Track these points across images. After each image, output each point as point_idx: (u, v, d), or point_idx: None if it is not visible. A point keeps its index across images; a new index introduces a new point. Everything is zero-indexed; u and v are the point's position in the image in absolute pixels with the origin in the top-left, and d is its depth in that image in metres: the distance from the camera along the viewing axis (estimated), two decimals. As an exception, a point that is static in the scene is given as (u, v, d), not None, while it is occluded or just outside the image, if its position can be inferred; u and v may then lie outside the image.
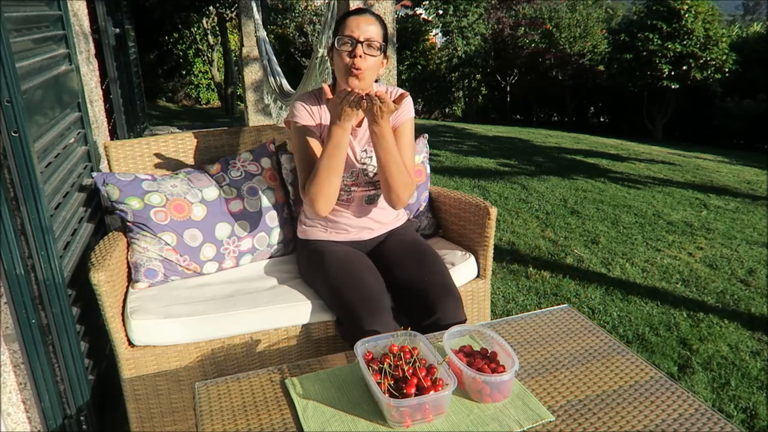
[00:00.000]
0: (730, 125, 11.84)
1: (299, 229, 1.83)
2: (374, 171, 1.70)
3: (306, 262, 1.72)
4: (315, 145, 1.63)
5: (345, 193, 1.69)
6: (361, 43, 1.52)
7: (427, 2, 12.96)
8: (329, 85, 1.59)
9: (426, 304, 1.52)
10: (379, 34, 1.56)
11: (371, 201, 1.74)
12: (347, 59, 1.53)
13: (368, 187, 1.71)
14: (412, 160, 1.68)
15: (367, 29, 1.53)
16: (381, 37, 1.56)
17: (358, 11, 1.58)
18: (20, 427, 1.37)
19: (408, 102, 1.70)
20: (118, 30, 4.82)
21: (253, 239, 1.81)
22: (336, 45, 1.56)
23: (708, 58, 11.60)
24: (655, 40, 11.73)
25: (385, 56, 1.61)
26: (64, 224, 1.53)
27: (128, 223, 1.68)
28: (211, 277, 1.74)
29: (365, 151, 1.69)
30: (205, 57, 12.91)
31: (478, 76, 15.22)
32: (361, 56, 1.52)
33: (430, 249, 1.73)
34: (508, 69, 14.61)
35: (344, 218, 1.73)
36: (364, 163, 1.69)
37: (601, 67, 13.51)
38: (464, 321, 1.53)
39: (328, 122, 1.64)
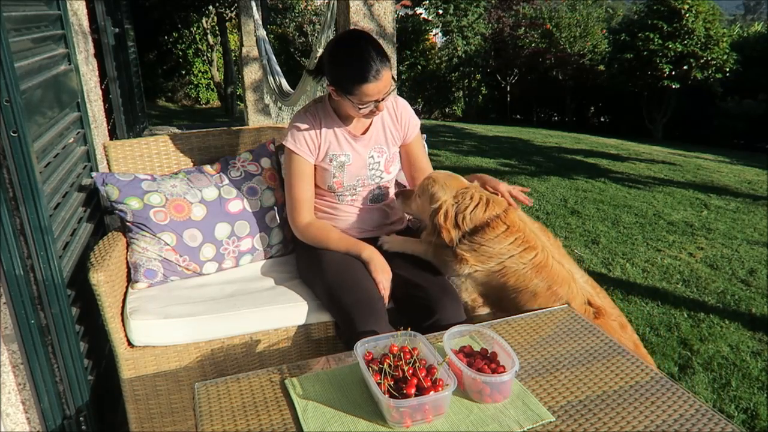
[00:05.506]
0: (730, 125, 11.83)
1: None
2: (381, 176, 1.73)
3: (305, 263, 1.72)
4: (307, 182, 1.67)
5: (350, 193, 1.71)
6: (382, 100, 1.54)
7: (427, 2, 12.95)
8: (324, 96, 1.64)
9: (426, 305, 1.52)
10: (389, 77, 1.53)
11: (376, 200, 1.77)
12: (367, 111, 1.56)
13: (374, 187, 1.75)
14: (428, 163, 1.85)
15: (384, 86, 1.52)
16: (391, 78, 1.54)
17: (372, 74, 1.48)
18: (19, 427, 1.37)
19: (412, 115, 1.78)
20: (117, 29, 4.81)
21: (253, 239, 1.80)
22: (357, 106, 1.54)
23: (708, 58, 11.58)
24: (656, 39, 11.71)
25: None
26: (63, 224, 1.53)
27: (128, 223, 1.67)
28: (210, 278, 1.74)
29: (372, 157, 1.71)
30: (205, 57, 12.90)
31: (478, 76, 15.20)
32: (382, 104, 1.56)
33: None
34: (508, 69, 14.60)
35: (343, 217, 1.74)
36: (372, 169, 1.71)
37: (601, 67, 13.49)
38: (464, 322, 1.53)
39: (328, 144, 1.65)
